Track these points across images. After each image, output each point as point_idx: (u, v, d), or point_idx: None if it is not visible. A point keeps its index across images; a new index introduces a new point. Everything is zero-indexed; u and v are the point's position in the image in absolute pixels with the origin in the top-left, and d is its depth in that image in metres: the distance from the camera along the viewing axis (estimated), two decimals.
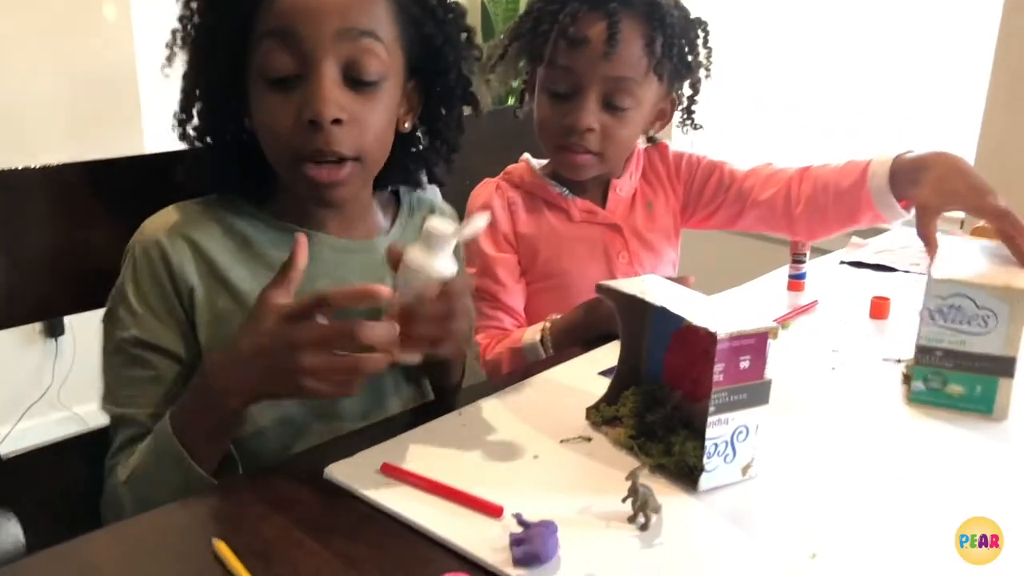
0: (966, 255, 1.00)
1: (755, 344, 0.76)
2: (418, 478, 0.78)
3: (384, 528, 0.74)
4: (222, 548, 0.69)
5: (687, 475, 0.79)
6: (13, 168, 0.99)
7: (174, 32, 0.96)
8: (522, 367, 1.12)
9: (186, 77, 0.97)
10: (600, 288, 0.90)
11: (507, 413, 0.93)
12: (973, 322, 0.90)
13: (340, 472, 0.80)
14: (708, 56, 1.28)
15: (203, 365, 0.88)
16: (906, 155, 1.18)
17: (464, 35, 1.02)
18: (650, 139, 1.37)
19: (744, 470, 0.79)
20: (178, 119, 0.97)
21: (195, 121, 0.97)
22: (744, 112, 2.92)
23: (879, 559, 0.69)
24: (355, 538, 0.73)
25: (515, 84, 1.40)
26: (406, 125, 1.01)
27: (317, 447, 0.89)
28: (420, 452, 0.84)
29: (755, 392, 0.77)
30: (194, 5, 0.94)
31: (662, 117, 1.29)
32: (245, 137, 0.98)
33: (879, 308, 1.21)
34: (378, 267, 0.96)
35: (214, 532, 0.71)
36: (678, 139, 1.41)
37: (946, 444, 0.89)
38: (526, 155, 1.36)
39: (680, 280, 1.06)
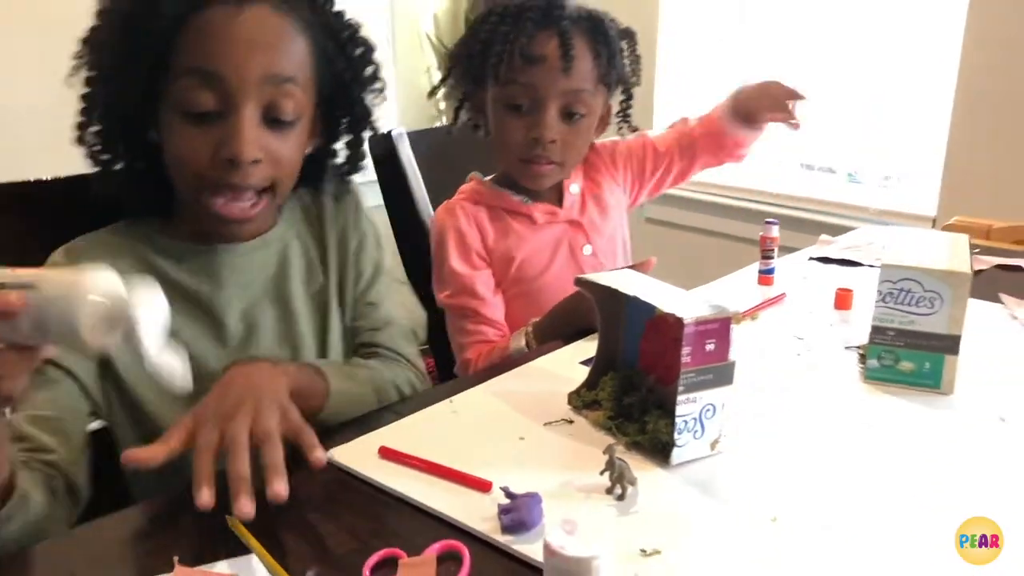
0: (917, 244, 1.08)
1: (719, 328, 0.83)
2: (413, 459, 0.85)
3: (383, 504, 0.80)
4: (236, 525, 0.75)
5: (660, 451, 0.86)
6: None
7: (83, 43, 0.96)
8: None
9: (90, 85, 0.96)
10: (579, 281, 0.97)
11: (495, 400, 1.00)
12: (921, 304, 0.97)
13: (342, 455, 0.87)
14: (637, 63, 1.37)
15: None
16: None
17: (371, 69, 1.06)
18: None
19: (712, 445, 0.86)
20: (78, 124, 0.98)
21: (94, 128, 0.98)
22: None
23: (832, 521, 0.76)
24: (357, 513, 0.79)
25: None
26: (308, 149, 1.04)
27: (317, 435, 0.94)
28: (414, 436, 0.90)
29: (720, 373, 0.84)
30: (109, 26, 0.95)
31: (602, 124, 1.37)
32: (145, 151, 0.98)
33: (843, 299, 1.29)
34: (271, 258, 1.06)
35: (226, 510, 0.76)
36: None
37: (899, 417, 0.96)
38: (475, 173, 1.42)
39: (641, 264, 1.14)
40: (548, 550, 0.50)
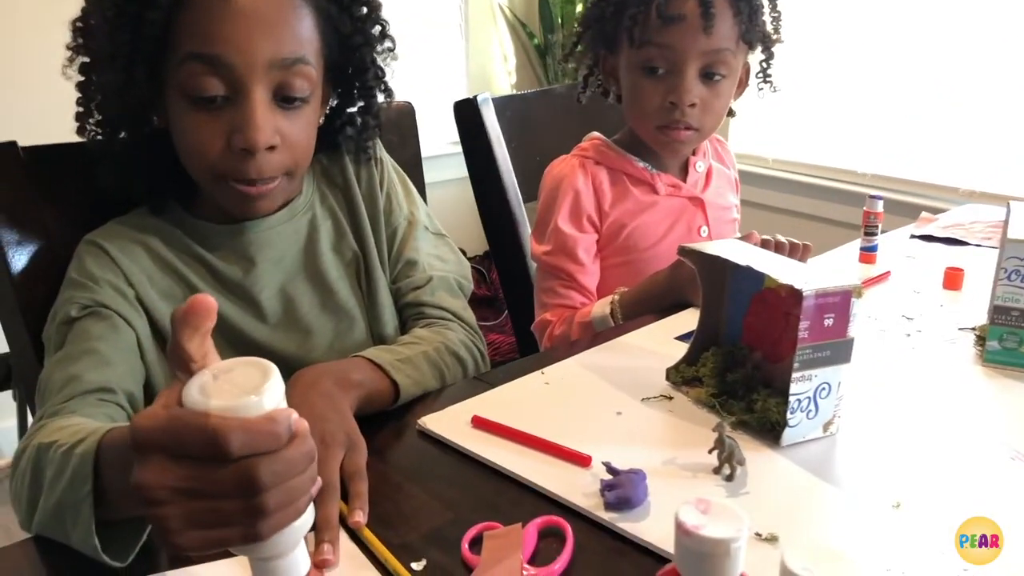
0: None
1: (840, 302, 0.77)
2: (508, 430, 0.82)
3: (477, 475, 0.77)
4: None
5: (769, 431, 0.81)
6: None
7: (75, 30, 0.91)
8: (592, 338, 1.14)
9: (86, 73, 0.92)
10: (682, 250, 0.92)
11: (588, 373, 0.95)
12: None
13: (433, 424, 0.84)
14: (778, 20, 1.29)
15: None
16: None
17: (378, 28, 1.00)
18: (730, 112, 1.36)
19: (826, 426, 0.81)
20: (77, 115, 0.94)
21: (95, 118, 0.94)
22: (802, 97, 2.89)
23: (962, 509, 0.70)
24: (450, 484, 0.76)
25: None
26: (320, 120, 1.00)
27: (405, 405, 0.92)
28: (506, 407, 0.87)
29: (838, 350, 0.79)
30: (101, 13, 0.87)
31: (740, 85, 1.30)
32: (150, 137, 0.94)
33: (953, 279, 1.22)
34: (301, 230, 1.02)
35: None
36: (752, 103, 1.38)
37: (1022, 401, 0.90)
38: (596, 133, 1.37)
39: (745, 238, 1.08)
40: (682, 529, 0.46)
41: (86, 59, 0.92)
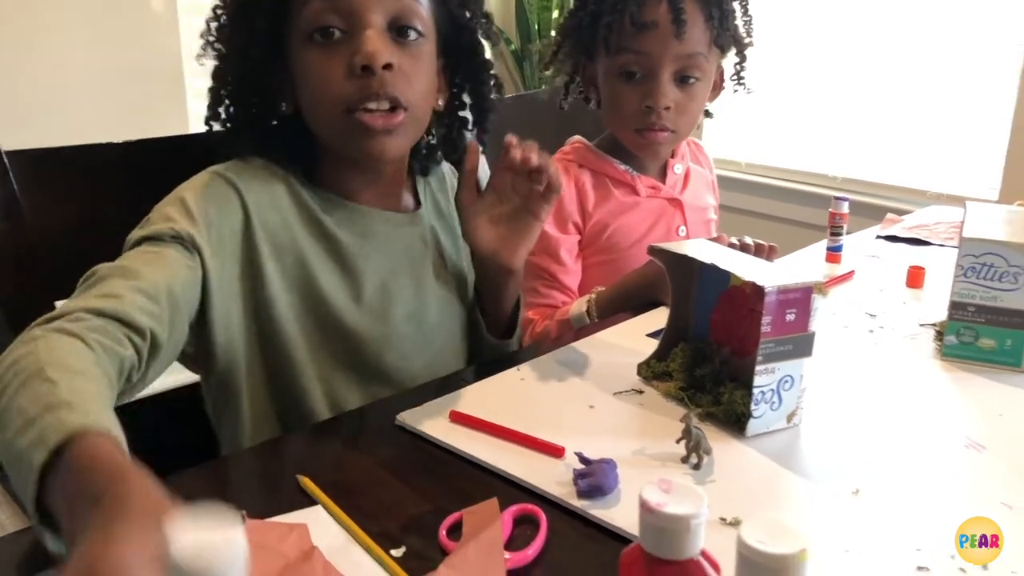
0: (999, 218, 1.05)
1: (800, 298, 0.81)
2: (484, 424, 0.84)
3: (455, 468, 0.80)
4: (307, 483, 0.75)
5: (735, 422, 0.84)
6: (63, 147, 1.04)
7: (209, 22, 0.99)
8: (570, 335, 1.17)
9: (222, 60, 0.98)
10: (652, 250, 0.95)
11: (562, 369, 0.99)
12: (1004, 279, 0.95)
13: (411, 419, 0.86)
14: (749, 24, 1.33)
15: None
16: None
17: (484, 20, 1.05)
18: (707, 113, 1.40)
19: (789, 417, 0.85)
20: (209, 105, 0.99)
21: (226, 103, 0.99)
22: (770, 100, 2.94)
23: (917, 494, 0.74)
24: (429, 476, 0.79)
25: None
26: (440, 102, 1.04)
27: (386, 399, 0.95)
28: (483, 402, 0.90)
29: (800, 344, 0.82)
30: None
31: (716, 88, 1.34)
32: (278, 119, 1.00)
33: (915, 277, 1.26)
34: (424, 239, 1.06)
35: (297, 470, 0.77)
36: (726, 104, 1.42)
37: (978, 393, 0.94)
38: (578, 137, 1.40)
39: (716, 239, 1.12)
40: (646, 507, 0.49)
41: (221, 50, 0.98)
